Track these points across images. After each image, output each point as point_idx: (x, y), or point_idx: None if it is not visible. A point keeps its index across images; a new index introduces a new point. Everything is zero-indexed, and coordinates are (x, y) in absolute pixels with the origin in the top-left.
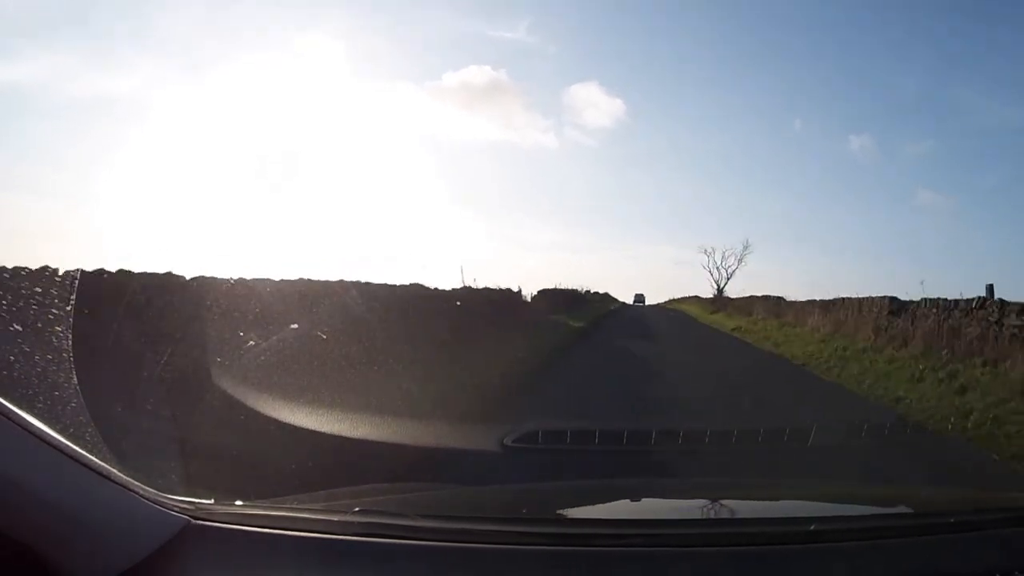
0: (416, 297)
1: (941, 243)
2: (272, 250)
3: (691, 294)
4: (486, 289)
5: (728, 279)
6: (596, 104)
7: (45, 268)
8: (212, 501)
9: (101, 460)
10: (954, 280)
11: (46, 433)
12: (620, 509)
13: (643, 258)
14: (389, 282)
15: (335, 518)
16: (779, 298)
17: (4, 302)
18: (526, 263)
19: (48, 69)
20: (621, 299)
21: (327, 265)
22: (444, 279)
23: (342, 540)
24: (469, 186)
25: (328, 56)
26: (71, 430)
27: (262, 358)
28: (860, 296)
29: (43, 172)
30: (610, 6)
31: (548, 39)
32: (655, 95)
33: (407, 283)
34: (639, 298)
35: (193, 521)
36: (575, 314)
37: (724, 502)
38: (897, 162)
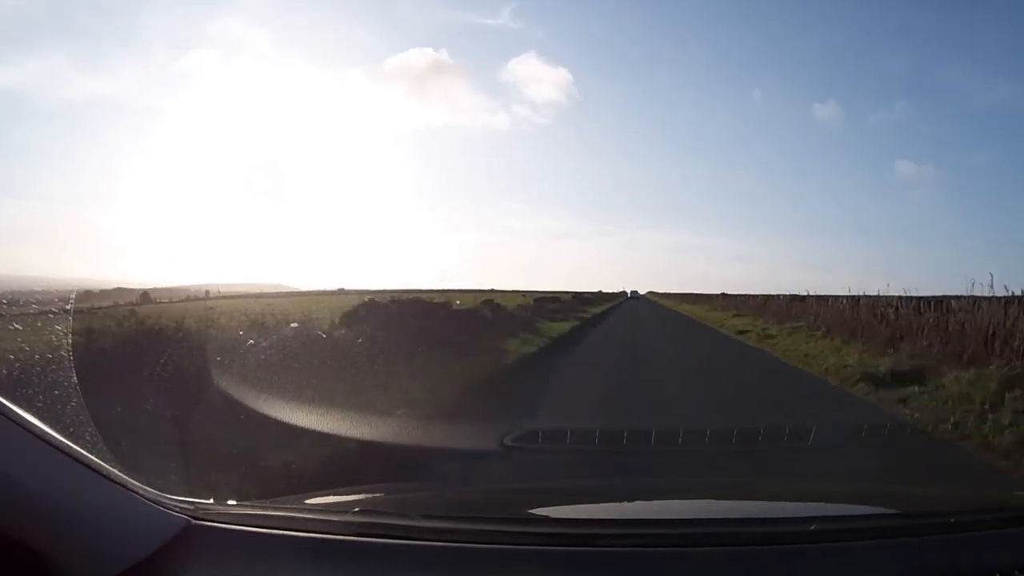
0: None
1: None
2: (236, 254)
3: (691, 288)
4: None
5: None
6: (540, 78)
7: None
8: (212, 501)
9: (101, 460)
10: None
11: (46, 432)
12: (620, 509)
13: (637, 245)
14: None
15: (335, 518)
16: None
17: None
18: (511, 255)
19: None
20: (614, 290)
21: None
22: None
23: (342, 540)
24: (431, 177)
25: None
26: (71, 430)
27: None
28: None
29: (27, 175)
30: None
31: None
32: (602, 61)
33: None
34: (634, 294)
35: (193, 521)
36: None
37: (724, 502)
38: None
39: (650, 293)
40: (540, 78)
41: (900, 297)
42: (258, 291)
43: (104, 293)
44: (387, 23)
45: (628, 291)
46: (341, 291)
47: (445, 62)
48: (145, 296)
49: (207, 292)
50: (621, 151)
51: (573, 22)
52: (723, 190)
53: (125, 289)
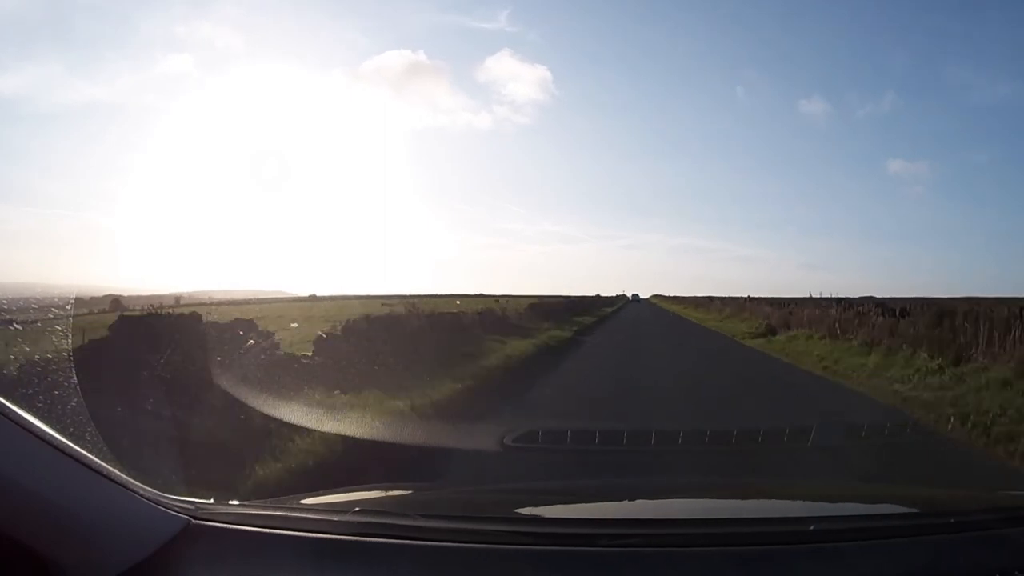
0: None
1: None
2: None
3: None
4: None
5: None
6: (518, 76)
7: None
8: (212, 501)
9: (101, 460)
10: None
11: (46, 433)
12: (620, 509)
13: (638, 247)
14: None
15: (335, 518)
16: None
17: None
18: (510, 258)
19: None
20: (613, 294)
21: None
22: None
23: (342, 540)
24: (424, 181)
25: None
26: (71, 430)
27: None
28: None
29: (23, 179)
30: None
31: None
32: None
33: None
34: (635, 297)
35: (193, 521)
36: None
37: (724, 502)
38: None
39: (654, 296)
40: (523, 77)
41: None
42: (252, 297)
43: (94, 300)
44: (378, 26)
45: (629, 294)
46: (313, 297)
47: (444, 65)
48: (116, 303)
49: (177, 299)
50: (619, 155)
51: (568, 29)
52: (725, 192)
53: (114, 297)
